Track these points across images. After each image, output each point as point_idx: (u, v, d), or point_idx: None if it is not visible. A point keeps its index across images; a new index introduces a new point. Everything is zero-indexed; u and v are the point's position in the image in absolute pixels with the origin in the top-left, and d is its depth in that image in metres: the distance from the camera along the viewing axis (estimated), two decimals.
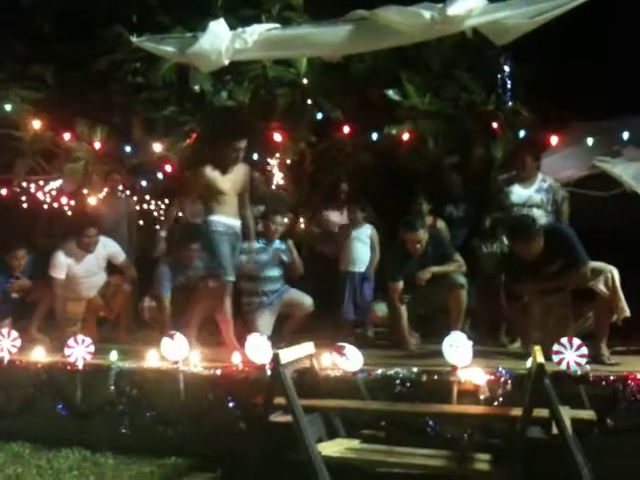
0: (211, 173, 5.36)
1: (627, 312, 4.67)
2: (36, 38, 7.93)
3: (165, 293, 6.02)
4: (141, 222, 7.62)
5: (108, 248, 6.22)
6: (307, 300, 6.09)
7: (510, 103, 7.35)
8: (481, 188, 6.90)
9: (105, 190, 7.42)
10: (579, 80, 7.88)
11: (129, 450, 4.68)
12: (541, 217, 5.63)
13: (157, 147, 7.52)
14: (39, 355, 5.20)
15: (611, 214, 6.49)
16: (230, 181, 5.43)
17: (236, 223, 5.49)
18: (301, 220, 7.58)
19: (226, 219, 5.40)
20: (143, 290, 6.38)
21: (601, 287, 4.65)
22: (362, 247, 6.37)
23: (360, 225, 6.34)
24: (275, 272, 6.18)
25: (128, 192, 7.77)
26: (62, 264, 6.03)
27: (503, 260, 5.72)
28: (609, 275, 4.66)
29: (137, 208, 7.63)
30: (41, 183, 7.96)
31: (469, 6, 4.37)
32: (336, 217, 6.87)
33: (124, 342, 5.99)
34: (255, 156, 7.41)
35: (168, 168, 7.62)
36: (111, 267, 6.40)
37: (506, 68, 7.59)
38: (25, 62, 7.74)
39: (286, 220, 6.52)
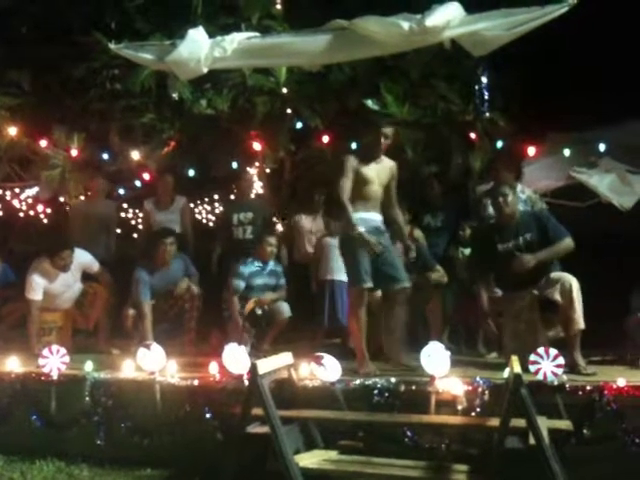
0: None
1: (581, 324, 4.61)
2: (13, 42, 7.84)
3: (144, 298, 5.96)
4: (119, 230, 7.56)
5: (81, 259, 6.12)
6: (284, 307, 6.02)
7: (488, 113, 7.40)
8: (459, 197, 6.95)
9: (89, 194, 7.38)
10: (557, 91, 7.98)
11: (104, 461, 4.63)
12: None
13: (135, 154, 7.47)
14: (13, 365, 5.13)
15: (587, 224, 6.58)
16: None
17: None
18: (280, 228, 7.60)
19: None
20: (123, 298, 6.31)
21: (557, 296, 4.64)
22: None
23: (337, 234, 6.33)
24: (267, 295, 6.08)
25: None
26: (39, 285, 5.94)
27: (476, 237, 5.88)
28: (567, 285, 4.63)
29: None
30: (17, 190, 7.87)
31: (447, 17, 4.41)
32: (308, 223, 6.86)
33: (103, 351, 5.95)
34: (234, 164, 7.40)
35: (146, 176, 7.58)
36: (86, 275, 6.32)
37: (484, 79, 7.66)
38: (1, 67, 7.65)
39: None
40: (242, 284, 5.92)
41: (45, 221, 7.97)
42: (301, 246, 6.79)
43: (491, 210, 5.86)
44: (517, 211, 5.06)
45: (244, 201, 6.91)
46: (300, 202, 7.38)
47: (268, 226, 6.29)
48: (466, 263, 6.16)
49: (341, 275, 6.28)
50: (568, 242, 4.84)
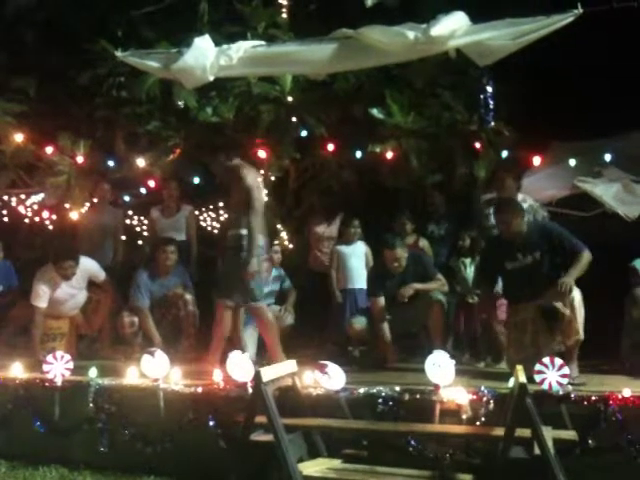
0: None
1: (580, 335, 4.66)
2: (19, 50, 7.88)
3: (143, 303, 6.01)
4: (123, 237, 7.56)
5: (87, 268, 6.16)
6: (287, 315, 6.03)
7: (492, 123, 7.41)
8: (463, 207, 6.95)
9: (93, 200, 7.39)
10: (561, 101, 7.98)
11: (107, 468, 4.62)
12: None
13: (140, 162, 7.49)
14: (17, 371, 5.13)
15: (592, 233, 6.57)
16: None
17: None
18: (284, 236, 7.60)
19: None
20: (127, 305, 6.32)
21: (558, 305, 4.65)
22: (358, 263, 6.36)
23: (354, 241, 6.35)
24: (270, 300, 6.12)
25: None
26: (45, 293, 5.97)
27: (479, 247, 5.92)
28: (569, 295, 4.65)
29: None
30: (22, 197, 7.89)
31: (452, 27, 4.41)
32: (321, 229, 6.88)
33: (107, 357, 5.97)
34: None
35: (151, 183, 7.59)
36: (90, 281, 6.32)
37: (489, 88, 7.66)
38: (7, 74, 7.68)
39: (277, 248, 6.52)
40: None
41: (50, 228, 7.97)
42: (317, 254, 6.83)
43: (492, 220, 5.87)
44: (523, 230, 4.96)
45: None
46: (309, 207, 7.42)
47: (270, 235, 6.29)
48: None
49: (360, 283, 6.27)
50: (588, 255, 4.79)
